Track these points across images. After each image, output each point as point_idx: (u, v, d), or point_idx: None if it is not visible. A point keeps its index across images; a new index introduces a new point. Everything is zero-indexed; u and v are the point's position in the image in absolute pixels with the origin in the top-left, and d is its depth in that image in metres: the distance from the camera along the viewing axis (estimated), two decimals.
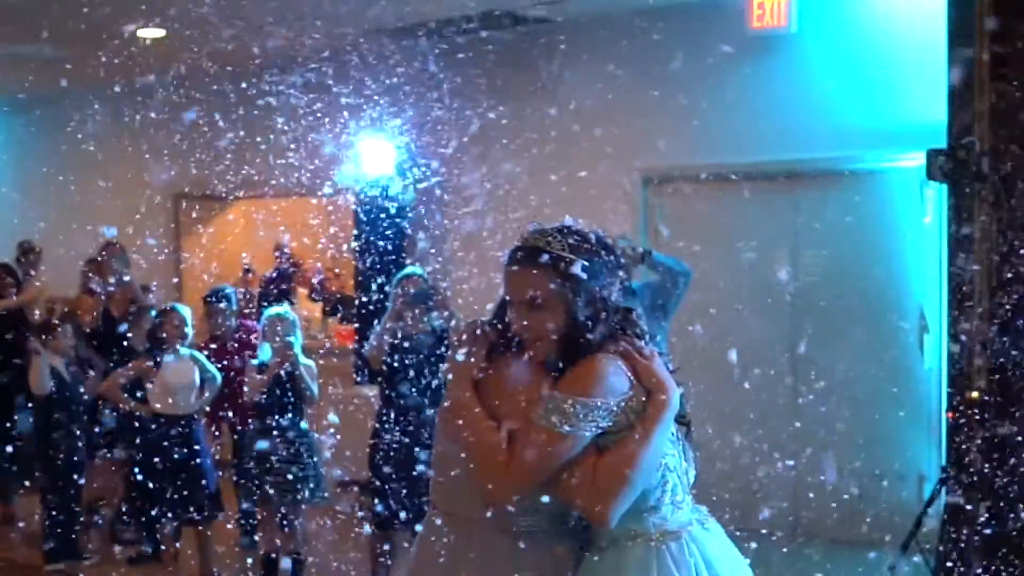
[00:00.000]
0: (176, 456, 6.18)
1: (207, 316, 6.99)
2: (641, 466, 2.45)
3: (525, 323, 2.55)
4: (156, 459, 6.18)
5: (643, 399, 2.51)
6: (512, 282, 2.58)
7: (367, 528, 6.19)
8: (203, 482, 6.27)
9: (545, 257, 2.53)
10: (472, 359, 2.61)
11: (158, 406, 6.26)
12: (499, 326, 2.64)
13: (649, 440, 2.46)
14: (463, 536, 2.60)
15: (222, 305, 6.91)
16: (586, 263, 2.53)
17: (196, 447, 6.29)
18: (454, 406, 2.61)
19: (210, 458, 6.44)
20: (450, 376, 2.65)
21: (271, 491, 6.08)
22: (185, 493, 6.18)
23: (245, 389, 6.19)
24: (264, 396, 6.10)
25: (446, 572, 2.61)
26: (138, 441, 6.35)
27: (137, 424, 6.37)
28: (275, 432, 6.11)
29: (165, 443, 6.19)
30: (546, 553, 2.58)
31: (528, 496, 2.52)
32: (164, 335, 6.31)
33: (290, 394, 6.13)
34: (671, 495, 2.56)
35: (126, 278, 7.20)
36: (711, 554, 2.55)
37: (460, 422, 2.58)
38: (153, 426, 6.25)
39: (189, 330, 6.40)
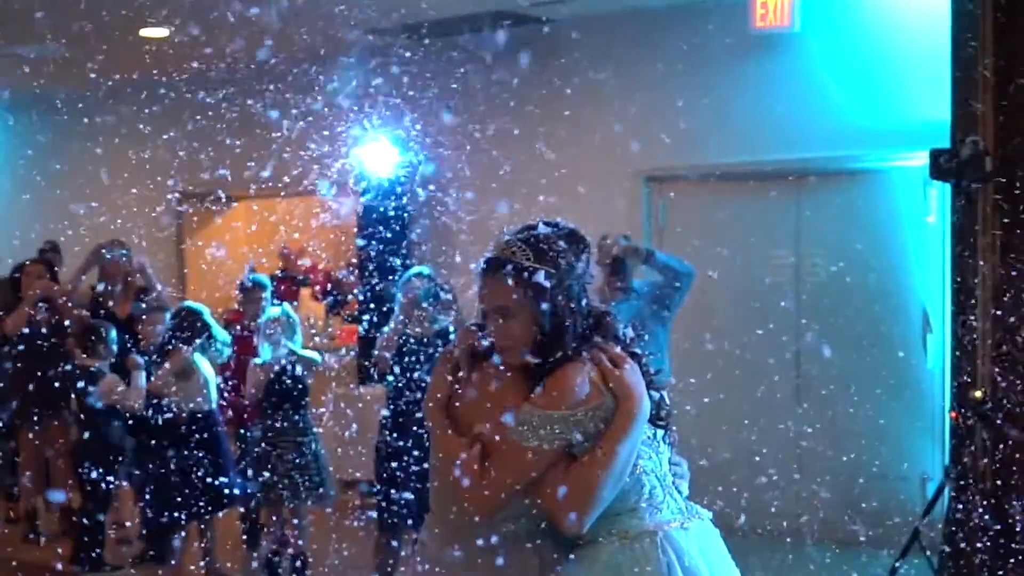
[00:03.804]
0: (207, 450, 6.19)
1: (244, 304, 6.95)
2: (609, 475, 2.48)
3: (496, 332, 2.61)
4: (188, 455, 6.17)
5: (613, 407, 2.53)
6: (482, 292, 2.65)
7: (372, 528, 6.18)
8: (229, 473, 6.28)
9: (509, 267, 2.57)
10: (447, 375, 2.69)
11: (191, 402, 6.26)
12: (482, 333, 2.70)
13: (616, 451, 2.49)
14: (454, 541, 2.63)
15: (261, 293, 6.87)
16: (551, 270, 2.56)
17: (223, 441, 6.33)
18: (427, 419, 2.70)
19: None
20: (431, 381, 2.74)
21: (273, 490, 6.09)
22: (216, 485, 6.19)
23: (251, 390, 6.20)
24: (264, 396, 6.11)
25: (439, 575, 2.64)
26: (166, 439, 6.30)
27: (160, 422, 6.33)
28: (278, 431, 6.11)
29: (196, 439, 6.20)
30: (532, 555, 2.61)
31: (508, 506, 2.56)
32: (190, 332, 6.31)
33: (292, 394, 6.13)
34: (648, 497, 2.59)
35: (141, 276, 7.14)
36: (688, 553, 2.56)
37: (432, 439, 2.69)
38: (183, 424, 6.23)
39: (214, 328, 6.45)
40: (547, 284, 2.56)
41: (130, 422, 6.56)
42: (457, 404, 2.66)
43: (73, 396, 6.92)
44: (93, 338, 6.68)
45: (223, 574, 6.54)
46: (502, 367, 2.62)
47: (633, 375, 2.57)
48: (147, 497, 6.37)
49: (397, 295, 5.96)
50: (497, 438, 2.54)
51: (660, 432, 2.67)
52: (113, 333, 6.76)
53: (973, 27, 5.53)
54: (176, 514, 6.16)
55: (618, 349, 2.62)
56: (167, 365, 6.24)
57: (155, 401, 6.24)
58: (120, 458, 6.79)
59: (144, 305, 6.94)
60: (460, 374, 2.68)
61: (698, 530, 2.65)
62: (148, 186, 10.45)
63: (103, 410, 6.58)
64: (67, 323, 6.98)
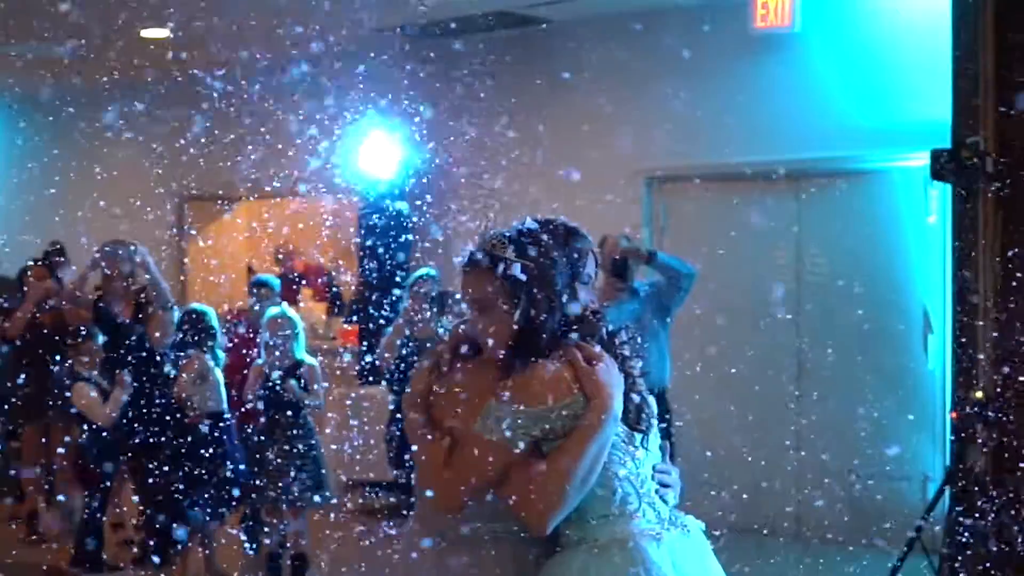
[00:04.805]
0: (220, 451, 6.20)
1: (251, 304, 6.96)
2: (575, 475, 2.43)
3: (475, 326, 2.60)
4: (200, 458, 6.16)
5: (585, 406, 2.47)
6: (462, 284, 2.65)
7: (371, 527, 6.19)
8: (240, 474, 6.28)
9: (487, 260, 2.56)
10: (428, 370, 2.67)
11: (209, 404, 6.26)
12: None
13: (583, 450, 2.43)
14: (436, 536, 2.64)
15: (268, 293, 6.87)
16: (529, 264, 2.53)
17: (235, 441, 6.33)
18: (404, 412, 2.68)
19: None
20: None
21: (274, 491, 6.09)
22: (226, 488, 6.19)
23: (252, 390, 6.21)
24: (262, 396, 6.11)
25: (418, 573, 2.65)
26: (183, 441, 6.28)
27: (177, 424, 6.33)
28: (277, 432, 6.11)
29: (213, 440, 6.20)
30: (509, 556, 2.60)
31: (480, 502, 2.55)
32: (201, 335, 6.29)
33: (290, 394, 6.13)
34: (620, 504, 2.52)
35: (146, 276, 7.11)
36: (657, 565, 2.48)
37: (407, 433, 2.66)
38: (203, 426, 6.22)
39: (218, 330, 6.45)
40: (523, 277, 2.52)
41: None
42: (436, 399, 2.64)
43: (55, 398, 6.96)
44: (80, 341, 6.68)
45: (223, 574, 6.54)
46: (484, 361, 2.60)
47: (607, 374, 2.50)
48: (156, 501, 6.38)
49: (403, 296, 5.97)
50: (465, 432, 2.51)
51: (639, 436, 2.59)
52: (100, 337, 6.75)
53: (973, 27, 5.53)
54: (187, 520, 6.17)
55: (599, 348, 2.56)
56: (186, 370, 6.23)
57: (175, 404, 6.25)
58: (123, 457, 6.79)
59: (150, 307, 6.90)
60: (442, 369, 2.67)
61: (676, 541, 2.57)
62: (148, 186, 10.45)
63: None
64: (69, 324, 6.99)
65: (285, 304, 6.68)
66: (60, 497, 7.57)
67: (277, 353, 6.15)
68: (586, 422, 2.45)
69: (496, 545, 2.59)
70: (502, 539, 2.59)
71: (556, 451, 2.45)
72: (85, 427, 6.64)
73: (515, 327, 2.53)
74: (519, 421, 2.45)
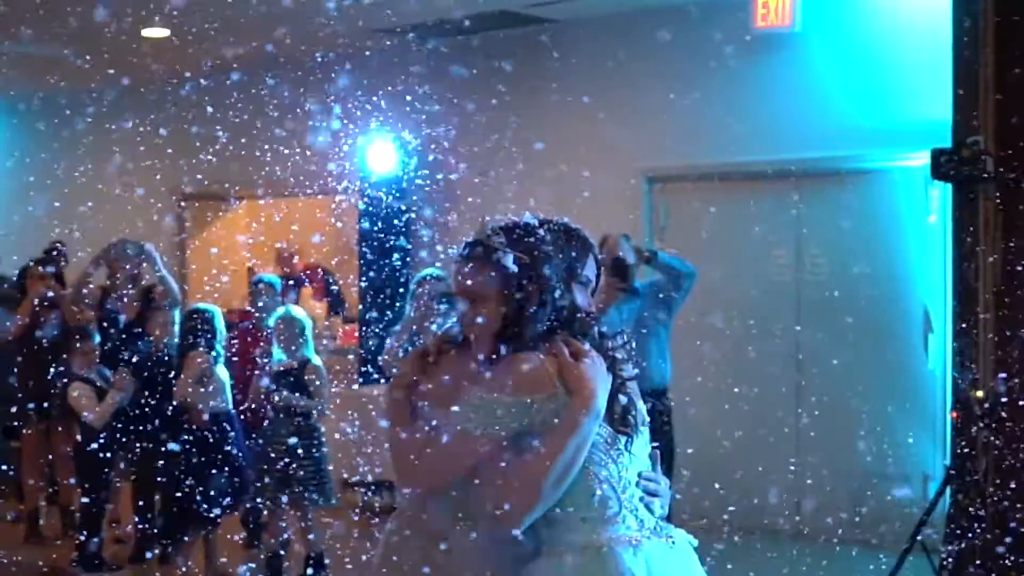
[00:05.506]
0: (225, 451, 6.20)
1: (253, 303, 6.96)
2: (552, 471, 2.38)
3: (464, 317, 2.58)
4: (205, 458, 6.16)
5: (567, 402, 2.43)
6: (454, 274, 2.63)
7: (370, 527, 6.18)
8: (245, 474, 6.28)
9: (479, 250, 2.54)
10: (413, 364, 2.68)
11: (213, 404, 6.25)
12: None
13: (561, 446, 2.39)
14: (416, 535, 2.64)
15: (266, 291, 6.87)
16: (523, 257, 2.51)
17: (240, 441, 6.32)
18: (388, 398, 2.69)
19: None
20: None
21: (276, 490, 6.09)
22: (230, 488, 6.19)
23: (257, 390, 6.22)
24: (268, 397, 6.12)
25: (397, 566, 2.66)
26: (186, 441, 6.27)
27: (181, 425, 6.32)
28: (282, 432, 6.11)
29: (217, 440, 6.20)
30: (486, 559, 2.57)
31: (460, 497, 2.54)
32: (204, 335, 6.28)
33: (294, 406, 6.13)
34: (600, 507, 2.47)
35: (155, 273, 7.08)
36: (630, 572, 2.43)
37: (390, 417, 2.65)
38: (203, 427, 6.21)
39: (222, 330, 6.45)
40: (514, 268, 2.50)
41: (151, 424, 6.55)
42: (422, 391, 2.64)
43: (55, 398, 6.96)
44: (80, 341, 6.68)
45: (224, 574, 6.54)
46: (472, 353, 2.58)
47: (592, 371, 2.46)
48: (158, 501, 6.36)
49: (408, 297, 5.96)
50: (444, 420, 2.49)
51: (623, 440, 2.54)
52: (96, 337, 6.74)
53: (974, 27, 5.54)
54: (188, 520, 6.17)
55: (587, 346, 2.53)
56: (189, 369, 6.22)
57: (178, 404, 6.25)
58: (120, 456, 6.80)
59: (156, 305, 6.88)
60: (430, 358, 2.66)
61: (656, 551, 2.50)
62: (149, 186, 10.45)
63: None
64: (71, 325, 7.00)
65: (292, 304, 6.68)
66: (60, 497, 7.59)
67: (284, 355, 6.16)
68: (567, 417, 2.41)
69: (476, 542, 2.57)
70: (482, 536, 2.56)
71: (533, 446, 2.41)
72: (85, 427, 6.65)
73: (504, 319, 2.51)
74: (497, 412, 2.42)
